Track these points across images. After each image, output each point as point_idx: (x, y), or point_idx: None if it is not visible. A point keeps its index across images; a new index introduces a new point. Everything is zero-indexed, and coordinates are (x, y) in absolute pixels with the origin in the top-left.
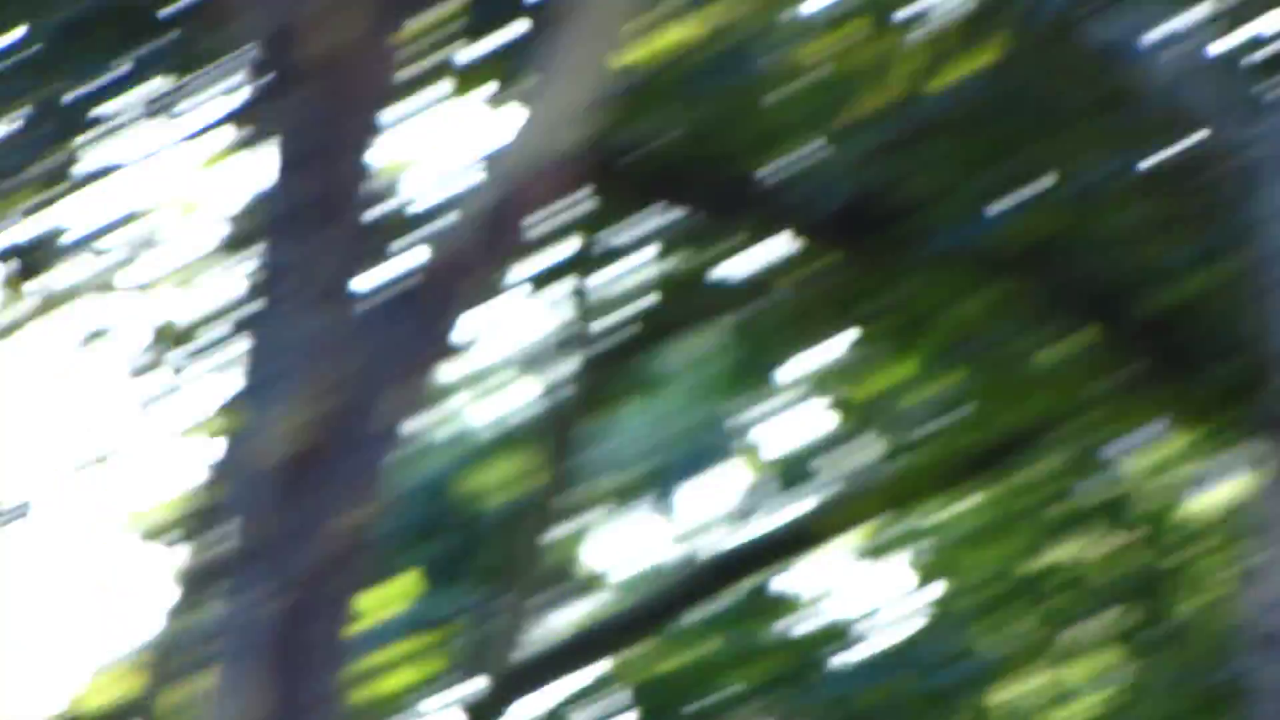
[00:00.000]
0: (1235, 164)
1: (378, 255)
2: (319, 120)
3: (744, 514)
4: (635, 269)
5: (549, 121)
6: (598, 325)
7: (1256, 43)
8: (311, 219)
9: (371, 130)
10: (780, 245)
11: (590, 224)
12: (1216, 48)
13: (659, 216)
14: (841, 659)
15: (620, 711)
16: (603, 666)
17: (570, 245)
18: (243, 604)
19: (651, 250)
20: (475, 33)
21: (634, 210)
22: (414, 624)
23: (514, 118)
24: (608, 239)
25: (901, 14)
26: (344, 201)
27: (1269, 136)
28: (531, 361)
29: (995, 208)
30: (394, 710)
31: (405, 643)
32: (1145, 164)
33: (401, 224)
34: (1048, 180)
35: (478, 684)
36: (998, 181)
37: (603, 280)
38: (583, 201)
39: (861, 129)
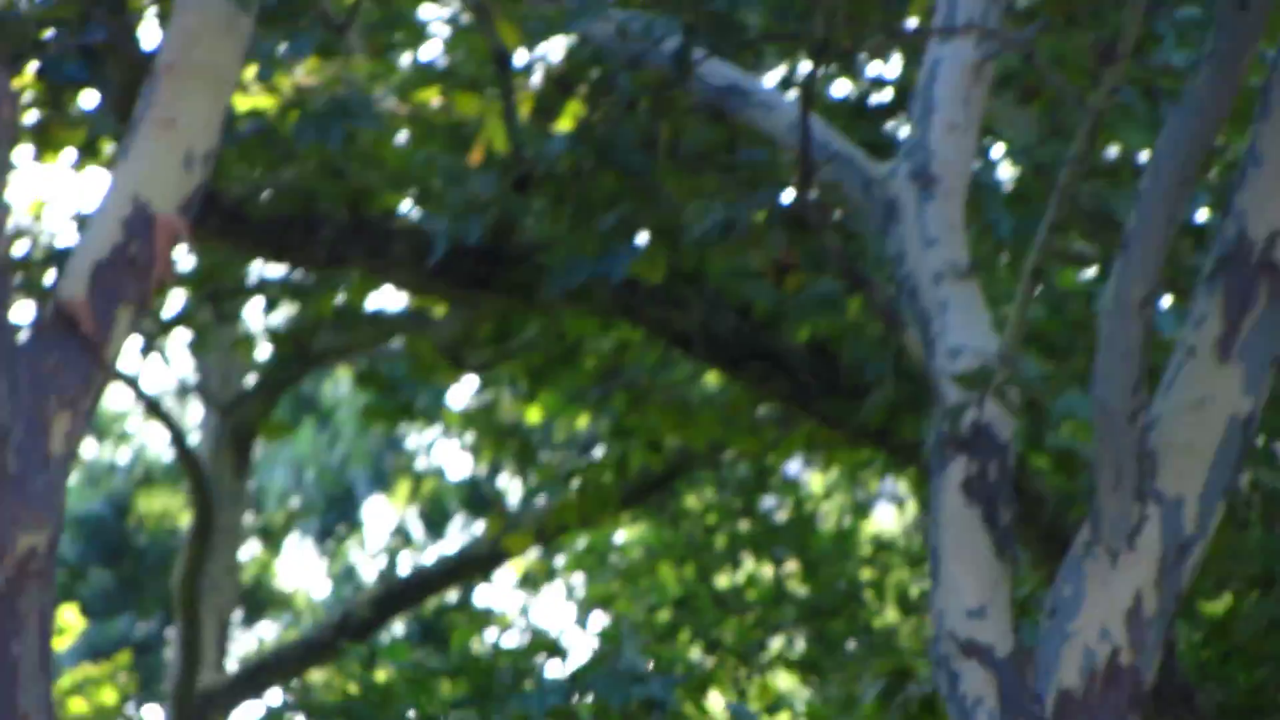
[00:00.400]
0: (860, 205)
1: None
2: None
3: (414, 540)
4: (265, 311)
5: (153, 172)
6: (238, 365)
7: (879, 84)
8: None
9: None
10: (405, 288)
11: (214, 270)
12: (838, 91)
13: (283, 262)
14: (529, 677)
15: None
16: (287, 690)
17: (198, 289)
18: None
19: (278, 294)
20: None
21: (256, 256)
22: (87, 653)
23: (113, 171)
24: (232, 283)
25: (503, 69)
26: None
27: (893, 178)
28: (181, 396)
29: (615, 250)
30: None
31: (82, 670)
32: (768, 206)
33: (39, 260)
34: (666, 223)
35: (159, 711)
36: (617, 226)
37: (237, 321)
38: (204, 249)
39: (474, 176)
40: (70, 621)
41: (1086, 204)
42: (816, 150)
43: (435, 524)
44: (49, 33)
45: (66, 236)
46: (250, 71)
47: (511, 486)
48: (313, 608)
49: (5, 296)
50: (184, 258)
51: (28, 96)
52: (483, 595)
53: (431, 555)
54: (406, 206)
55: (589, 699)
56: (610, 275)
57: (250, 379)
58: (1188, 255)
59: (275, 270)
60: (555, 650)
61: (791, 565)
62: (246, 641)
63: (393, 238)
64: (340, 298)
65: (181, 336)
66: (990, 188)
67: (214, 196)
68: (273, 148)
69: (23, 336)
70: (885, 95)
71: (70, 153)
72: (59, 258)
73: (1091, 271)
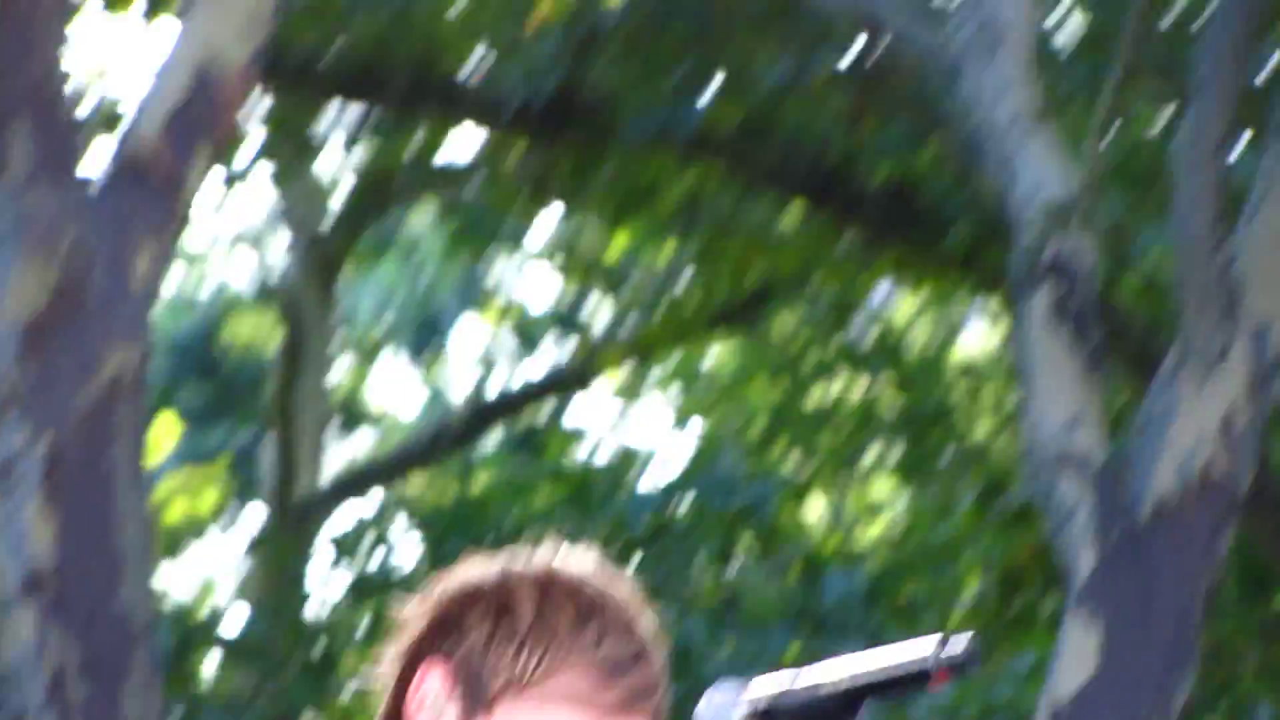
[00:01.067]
0: (924, 62)
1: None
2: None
3: (503, 359)
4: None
5: (223, 20)
6: (321, 200)
7: None
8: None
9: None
10: (485, 134)
11: (289, 112)
12: None
13: (359, 101)
14: (624, 486)
15: (404, 541)
16: (386, 497)
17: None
18: (12, 447)
19: (357, 132)
20: None
21: (333, 105)
22: (187, 459)
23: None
24: (313, 132)
25: None
26: (47, 94)
27: (958, 33)
28: (266, 229)
29: (686, 100)
30: (180, 541)
31: (182, 476)
32: (837, 62)
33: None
34: (737, 74)
35: (260, 514)
36: (688, 75)
37: (316, 156)
38: (278, 95)
39: (551, 30)
40: (167, 429)
41: (1157, 50)
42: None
43: (525, 344)
44: None
45: (138, 87)
46: None
47: (599, 311)
48: (403, 428)
49: (74, 144)
50: (257, 103)
51: None
52: (576, 412)
53: (522, 375)
54: (475, 60)
55: (686, 507)
56: (684, 123)
57: (334, 214)
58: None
59: (350, 115)
60: (651, 461)
61: (883, 384)
62: (342, 451)
63: (463, 88)
64: (418, 139)
65: (264, 171)
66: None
67: (283, 51)
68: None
69: (101, 181)
70: None
71: (140, 4)
72: (132, 107)
73: (1168, 111)
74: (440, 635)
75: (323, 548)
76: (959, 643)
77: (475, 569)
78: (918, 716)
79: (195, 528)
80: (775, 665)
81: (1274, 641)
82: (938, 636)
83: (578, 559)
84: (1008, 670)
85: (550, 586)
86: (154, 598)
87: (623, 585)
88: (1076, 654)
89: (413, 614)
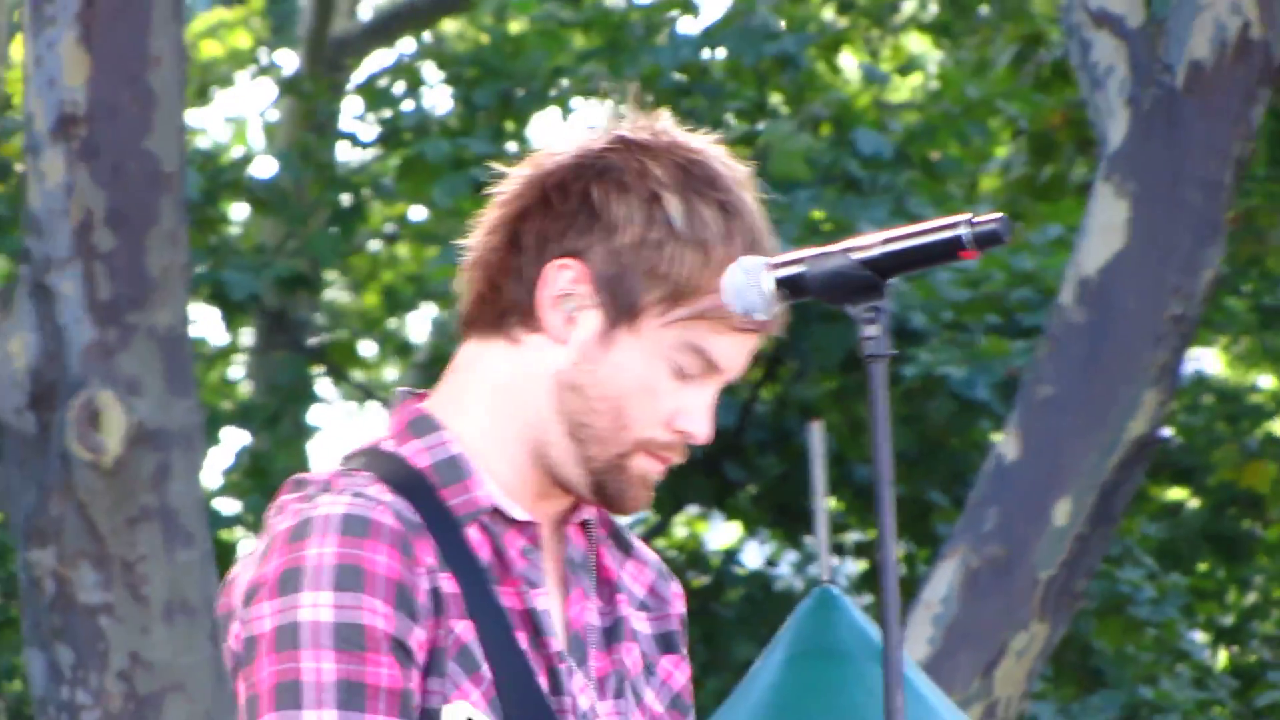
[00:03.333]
0: None
1: None
2: None
3: None
4: None
5: None
6: None
7: None
8: None
9: None
10: None
11: None
12: None
13: None
14: (661, 32)
15: (436, 84)
16: (418, 43)
17: None
18: None
19: None
20: None
21: None
22: None
23: None
24: None
25: None
26: None
27: None
28: None
29: None
30: (212, 81)
31: (216, 14)
32: None
33: None
34: None
35: (292, 57)
36: None
37: None
38: None
39: None
40: None
41: None
42: None
43: None
44: None
45: None
46: None
47: None
48: None
49: None
50: None
51: None
52: None
53: None
54: None
55: (721, 55)
56: None
57: None
58: None
59: None
60: (687, 7)
61: None
62: None
63: None
64: None
65: None
66: None
67: None
68: None
69: None
70: None
71: None
72: None
73: None
74: (572, 220)
75: (353, 93)
76: (988, 220)
77: (588, 137)
78: (941, 281)
79: (227, 70)
80: (803, 225)
81: None
82: (965, 216)
83: (689, 133)
84: (1035, 240)
85: (689, 175)
86: (184, 142)
87: (741, 170)
88: (1104, 226)
89: (521, 182)
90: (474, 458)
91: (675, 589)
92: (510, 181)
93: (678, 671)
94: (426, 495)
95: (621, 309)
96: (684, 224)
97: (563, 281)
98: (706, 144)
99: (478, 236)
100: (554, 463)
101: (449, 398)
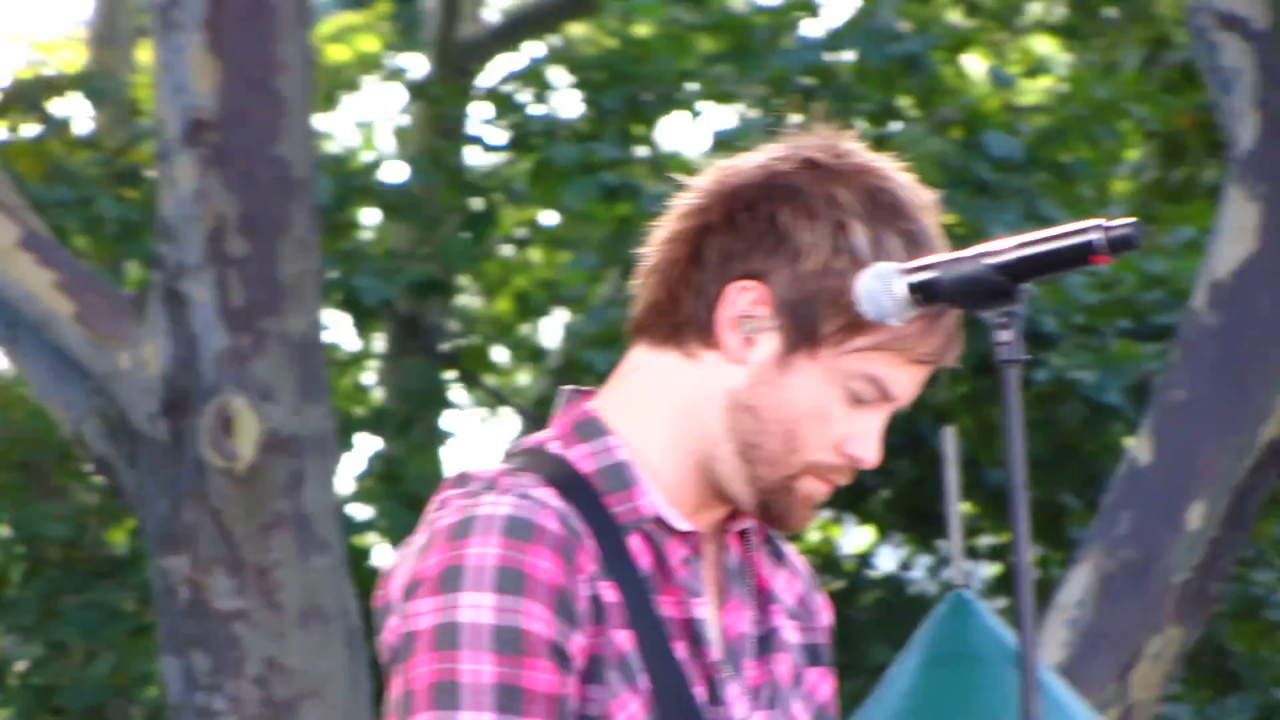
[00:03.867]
0: None
1: None
2: None
3: None
4: None
5: None
6: None
7: None
8: None
9: None
10: None
11: None
12: None
13: None
14: (788, 35)
15: (563, 88)
16: (545, 44)
17: None
18: None
19: None
20: None
21: None
22: (346, 2)
23: None
24: None
25: None
26: None
27: None
28: None
29: None
30: (341, 85)
31: (343, 17)
32: None
33: None
34: None
35: (419, 60)
36: None
37: None
38: None
39: None
40: None
41: None
42: None
43: None
44: None
45: None
46: None
47: None
48: None
49: None
50: None
51: None
52: None
53: None
54: None
55: (847, 57)
56: None
57: None
58: None
59: None
60: (810, 9)
61: None
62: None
63: None
64: None
65: None
66: None
67: None
68: None
69: None
70: None
71: None
72: None
73: None
74: (758, 241)
75: (481, 99)
76: (1121, 224)
77: (770, 155)
78: (1073, 285)
79: (353, 75)
80: None
81: None
82: (1098, 221)
83: (877, 156)
84: (1166, 243)
85: (876, 203)
86: (314, 147)
87: (925, 195)
88: (1236, 229)
89: (706, 196)
90: (640, 465)
91: (823, 600)
92: (694, 194)
93: (824, 684)
94: (590, 501)
95: (801, 335)
96: (869, 253)
97: (744, 303)
98: (892, 168)
99: (656, 244)
100: (721, 478)
101: (618, 402)
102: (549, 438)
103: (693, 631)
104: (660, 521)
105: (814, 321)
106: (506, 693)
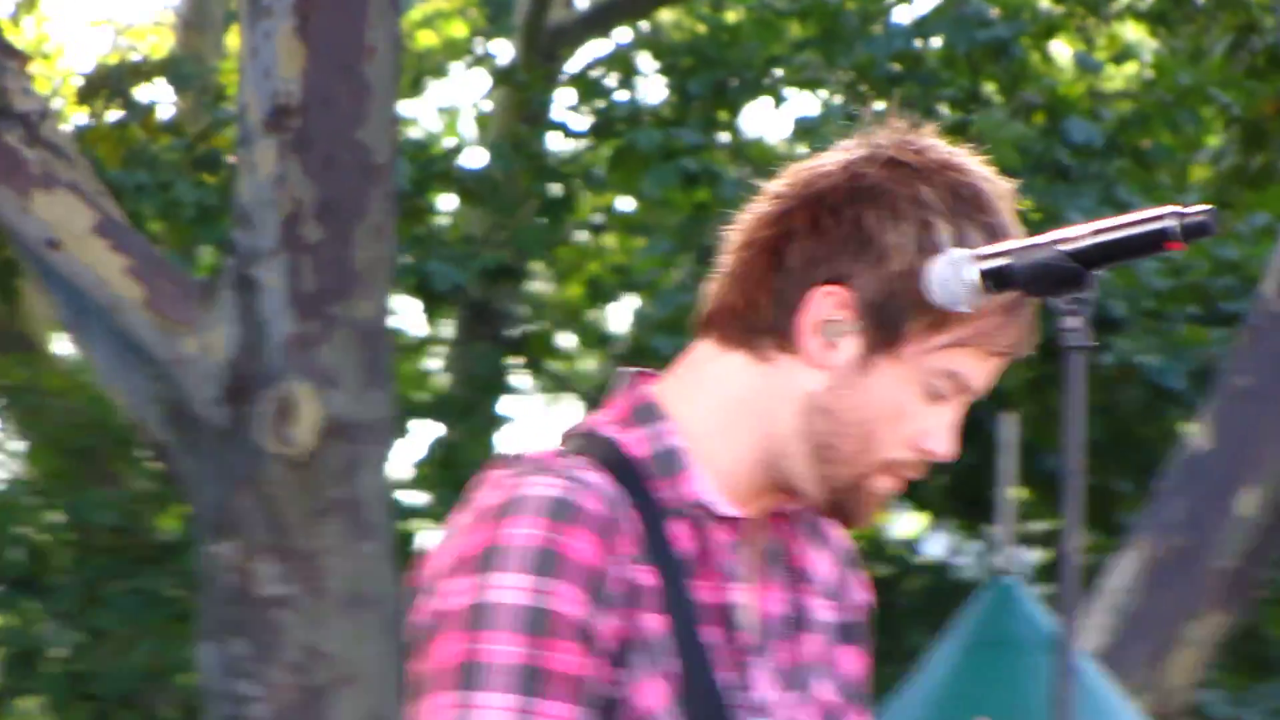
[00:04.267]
0: None
1: None
2: None
3: None
4: None
5: None
6: None
7: None
8: None
9: None
10: None
11: None
12: None
13: None
14: (876, 22)
15: (650, 74)
16: (633, 31)
17: None
18: None
19: None
20: None
21: None
22: None
23: None
24: None
25: None
26: None
27: None
28: None
29: None
30: (428, 71)
31: (433, 3)
32: None
33: None
34: None
35: (508, 46)
36: None
37: None
38: None
39: None
40: None
41: None
42: None
43: None
44: None
45: None
46: None
47: None
48: None
49: None
50: None
51: None
52: None
53: None
54: None
55: (935, 44)
56: None
57: None
58: None
59: None
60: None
61: None
62: None
63: None
64: None
65: None
66: None
67: None
68: None
69: None
70: None
71: None
72: None
73: None
74: (843, 245)
75: (567, 84)
76: (1196, 212)
77: (850, 154)
78: (1144, 270)
79: (442, 60)
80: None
81: None
82: (1174, 208)
83: (955, 150)
84: (1241, 229)
85: (959, 199)
86: (396, 134)
87: (1003, 187)
88: None
89: (787, 201)
90: (695, 450)
91: (860, 578)
92: (773, 198)
93: (856, 662)
94: (638, 485)
95: (885, 336)
96: (952, 249)
97: (828, 307)
98: (971, 161)
99: (735, 248)
100: (790, 476)
101: (680, 391)
102: (605, 420)
103: (726, 616)
104: (706, 507)
105: (898, 323)
106: (531, 674)
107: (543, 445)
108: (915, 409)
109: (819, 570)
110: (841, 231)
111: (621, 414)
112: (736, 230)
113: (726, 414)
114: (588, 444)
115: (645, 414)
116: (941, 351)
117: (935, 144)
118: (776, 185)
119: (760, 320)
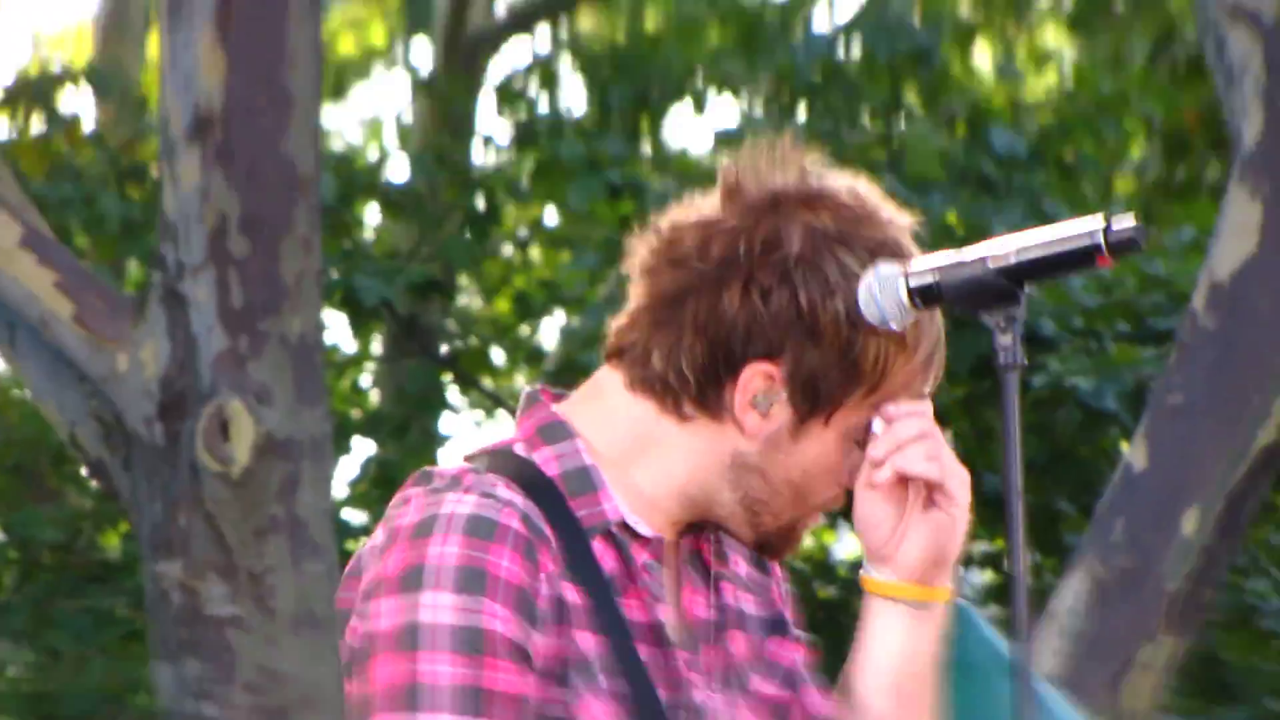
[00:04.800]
0: None
1: None
2: None
3: None
4: None
5: None
6: None
7: None
8: None
9: None
10: None
11: None
12: None
13: None
14: (795, 29)
15: (569, 82)
16: (551, 37)
17: None
18: None
19: None
20: None
21: None
22: None
23: None
24: None
25: None
26: None
27: None
28: None
29: None
30: (347, 76)
31: (351, 8)
32: None
33: None
34: None
35: (427, 51)
36: None
37: None
38: None
39: None
40: None
41: None
42: None
43: None
44: None
45: None
46: None
47: None
48: None
49: None
50: None
51: None
52: None
53: None
54: None
55: (855, 50)
56: None
57: None
58: None
59: None
60: (803, 8)
61: None
62: None
63: None
64: None
65: None
66: None
67: None
68: None
69: None
70: None
71: None
72: None
73: None
74: (775, 320)
75: (489, 92)
76: (1124, 223)
77: (783, 219)
78: (1073, 287)
79: (361, 66)
80: (937, 226)
81: None
82: (1100, 217)
83: (850, 182)
84: (1168, 244)
85: (874, 240)
86: (320, 145)
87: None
88: (1237, 229)
89: (713, 262)
90: (607, 470)
91: (774, 567)
92: (691, 250)
93: (788, 652)
94: (555, 503)
95: (819, 408)
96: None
97: (760, 383)
98: (896, 213)
99: (648, 291)
100: (719, 518)
101: (590, 415)
102: (513, 439)
103: (658, 634)
104: (625, 526)
105: (833, 395)
106: (466, 693)
107: (453, 461)
108: (846, 454)
109: (739, 569)
110: (771, 308)
111: (528, 433)
112: (640, 267)
113: (642, 450)
114: (499, 462)
115: (553, 433)
116: (873, 406)
117: (865, 193)
118: (674, 228)
119: (678, 383)
